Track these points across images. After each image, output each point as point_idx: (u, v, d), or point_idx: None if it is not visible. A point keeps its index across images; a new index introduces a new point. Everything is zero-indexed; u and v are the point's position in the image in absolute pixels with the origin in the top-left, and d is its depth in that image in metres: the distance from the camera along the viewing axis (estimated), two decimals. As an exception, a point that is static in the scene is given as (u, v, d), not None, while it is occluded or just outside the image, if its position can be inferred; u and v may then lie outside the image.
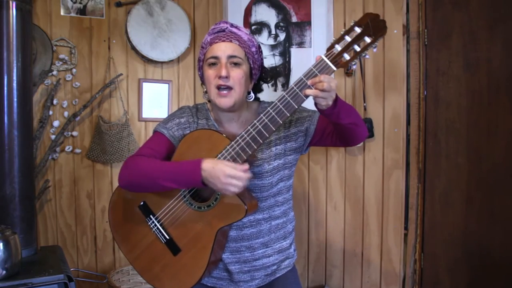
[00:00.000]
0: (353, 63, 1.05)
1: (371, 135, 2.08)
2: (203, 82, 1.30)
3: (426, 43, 2.06)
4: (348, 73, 2.10)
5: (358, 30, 1.03)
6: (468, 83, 1.98)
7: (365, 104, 2.09)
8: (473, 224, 1.98)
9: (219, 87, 1.21)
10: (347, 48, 1.04)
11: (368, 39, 1.02)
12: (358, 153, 2.14)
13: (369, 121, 2.07)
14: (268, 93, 2.17)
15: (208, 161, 1.09)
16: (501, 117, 1.89)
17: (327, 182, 2.19)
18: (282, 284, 1.31)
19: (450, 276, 2.06)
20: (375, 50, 1.05)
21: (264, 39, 2.20)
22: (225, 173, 1.06)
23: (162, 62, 2.21)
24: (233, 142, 1.13)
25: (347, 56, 1.04)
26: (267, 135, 1.10)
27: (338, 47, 1.05)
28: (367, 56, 1.05)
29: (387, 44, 2.07)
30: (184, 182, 1.13)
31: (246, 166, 1.09)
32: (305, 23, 2.16)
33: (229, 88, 1.20)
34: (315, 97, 1.05)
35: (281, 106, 1.09)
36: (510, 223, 1.87)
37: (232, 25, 1.26)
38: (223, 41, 1.21)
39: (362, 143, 2.08)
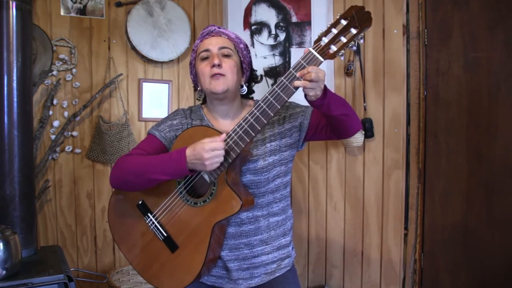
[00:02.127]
0: (340, 53, 1.07)
1: (371, 135, 2.08)
2: (195, 86, 1.36)
3: (426, 43, 2.06)
4: (348, 73, 2.10)
5: (344, 22, 1.07)
6: (468, 83, 1.97)
7: (365, 104, 2.09)
8: (473, 224, 1.98)
9: (212, 76, 1.24)
10: (334, 40, 1.07)
11: (354, 31, 1.05)
12: (358, 153, 2.14)
13: (369, 121, 2.07)
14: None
15: (189, 146, 1.13)
16: (501, 117, 1.89)
17: (327, 182, 2.19)
18: (281, 284, 1.31)
19: (450, 276, 2.06)
20: (361, 41, 1.09)
21: (264, 39, 2.20)
22: (205, 148, 1.09)
23: (162, 62, 2.22)
24: (226, 137, 1.15)
25: (334, 48, 1.07)
26: (259, 128, 1.13)
27: (325, 39, 1.08)
28: (353, 48, 1.08)
29: (387, 44, 2.07)
30: (172, 171, 1.16)
31: (223, 135, 1.13)
32: (305, 23, 2.16)
33: (222, 75, 1.24)
34: (304, 88, 1.08)
35: (271, 99, 1.11)
36: (510, 223, 1.87)
37: (219, 27, 1.33)
38: (213, 36, 1.29)
39: (362, 143, 2.08)
